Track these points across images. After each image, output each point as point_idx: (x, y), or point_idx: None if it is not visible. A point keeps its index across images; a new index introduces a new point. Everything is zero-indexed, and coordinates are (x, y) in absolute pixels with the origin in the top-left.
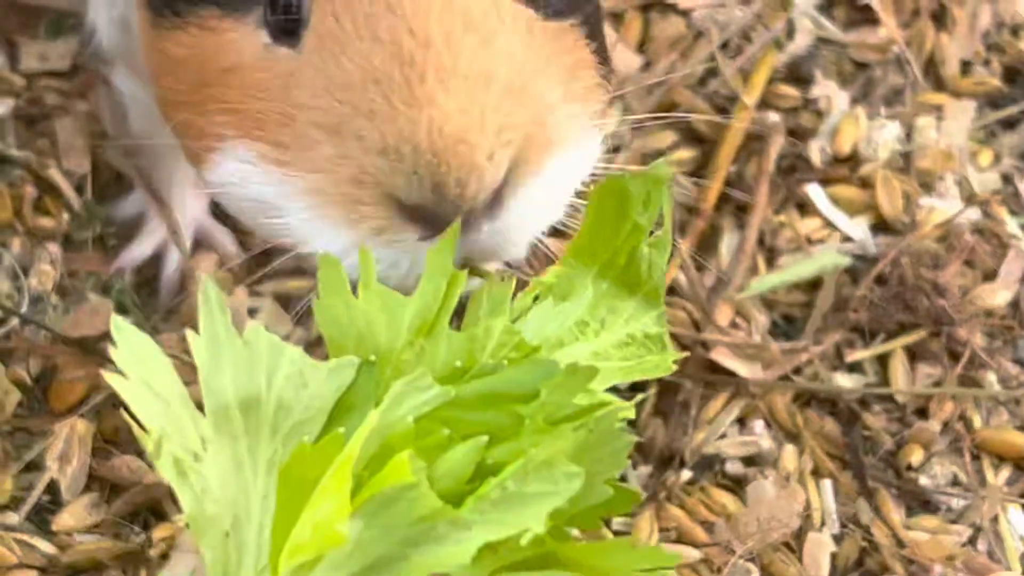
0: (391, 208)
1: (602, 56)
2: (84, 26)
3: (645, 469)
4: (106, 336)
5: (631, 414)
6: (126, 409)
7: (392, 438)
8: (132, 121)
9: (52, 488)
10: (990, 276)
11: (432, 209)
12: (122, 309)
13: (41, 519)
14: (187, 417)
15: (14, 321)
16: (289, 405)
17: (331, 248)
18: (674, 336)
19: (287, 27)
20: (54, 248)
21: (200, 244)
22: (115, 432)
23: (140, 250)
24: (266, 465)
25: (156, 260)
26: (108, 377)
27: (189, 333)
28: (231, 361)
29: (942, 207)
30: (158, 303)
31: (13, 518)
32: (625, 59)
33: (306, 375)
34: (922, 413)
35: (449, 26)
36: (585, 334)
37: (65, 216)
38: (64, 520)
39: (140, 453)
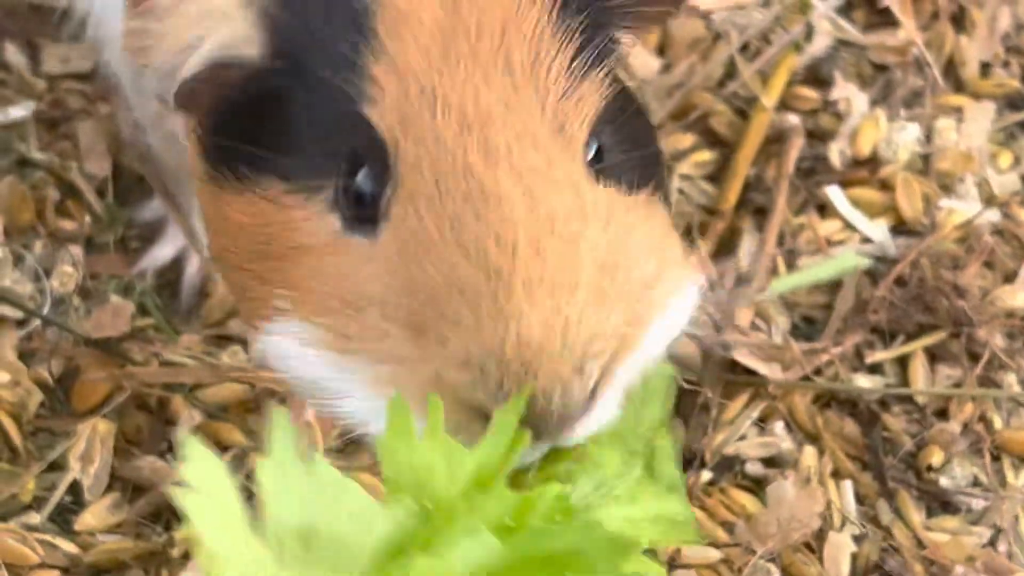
0: (469, 412)
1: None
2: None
3: None
4: (128, 337)
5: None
6: (191, 523)
7: None
8: (150, 137)
9: (74, 488)
10: (1010, 278)
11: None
12: (144, 311)
13: (63, 519)
14: (245, 543)
15: (36, 322)
16: (346, 541)
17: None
18: (694, 337)
19: (361, 215)
20: (76, 250)
21: None
22: (137, 433)
23: (161, 253)
24: None
25: (177, 263)
26: (175, 492)
27: (258, 460)
28: (295, 490)
29: (962, 209)
30: (179, 305)
31: (35, 518)
32: (645, 62)
33: (366, 512)
34: (942, 414)
35: (535, 232)
36: (618, 502)
37: (87, 218)
38: (86, 520)
39: (162, 453)
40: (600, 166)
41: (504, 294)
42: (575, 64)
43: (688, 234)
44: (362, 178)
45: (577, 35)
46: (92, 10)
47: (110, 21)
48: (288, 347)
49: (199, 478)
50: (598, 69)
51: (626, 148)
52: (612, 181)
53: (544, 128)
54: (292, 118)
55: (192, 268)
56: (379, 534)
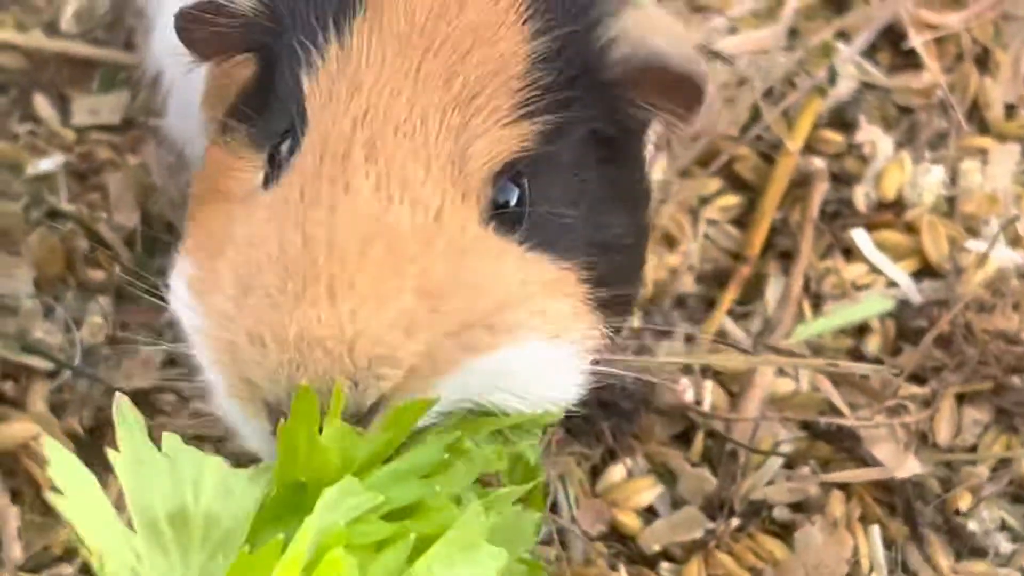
0: (254, 392)
1: (613, 298)
2: (139, 78)
3: (691, 512)
4: (158, 388)
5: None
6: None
7: (326, 541)
8: (182, 177)
9: None
10: None
11: (286, 411)
12: (172, 361)
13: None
14: (121, 534)
15: (67, 373)
16: (216, 515)
17: (208, 385)
18: (721, 382)
19: (270, 176)
20: (105, 301)
21: None
22: None
23: None
24: (199, 574)
25: None
26: (53, 499)
27: (110, 452)
28: (155, 476)
29: (988, 251)
30: None
31: (68, 569)
32: None
33: (229, 484)
34: (970, 456)
35: (371, 238)
36: None
37: (116, 269)
38: None
39: None
40: (513, 215)
41: (311, 283)
42: (517, 105)
43: (715, 279)
44: (284, 145)
45: (539, 86)
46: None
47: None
48: (176, 283)
49: (66, 480)
50: (545, 122)
51: (565, 215)
52: (520, 233)
53: (439, 155)
54: (267, 76)
55: None
56: (247, 503)
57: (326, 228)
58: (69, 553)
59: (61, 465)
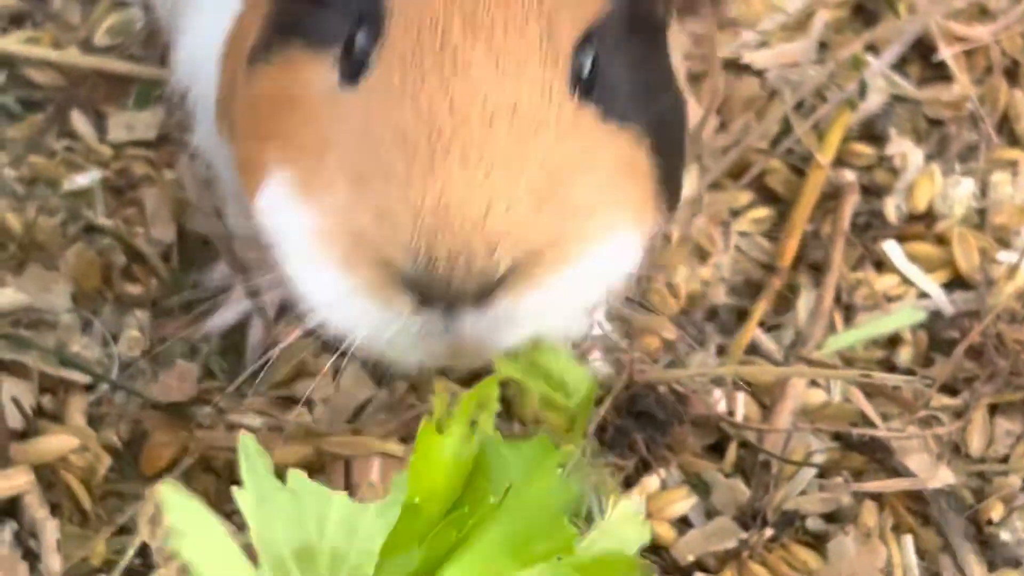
0: (387, 273)
1: (669, 178)
2: (169, 95)
3: (725, 522)
4: (195, 401)
5: None
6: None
7: None
8: (215, 191)
9: (143, 551)
10: None
11: (423, 282)
12: (209, 373)
13: None
14: (245, 572)
15: (104, 387)
16: (342, 552)
17: (322, 296)
18: (754, 393)
19: (351, 70)
20: (142, 315)
21: (285, 310)
22: (205, 495)
23: (226, 317)
24: None
25: (242, 326)
26: (174, 542)
27: (235, 490)
28: (280, 512)
29: (1019, 262)
30: (243, 367)
31: None
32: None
33: (354, 520)
34: (1002, 467)
35: (494, 110)
36: None
37: (153, 283)
38: None
39: (229, 515)
40: (588, 83)
41: (441, 155)
42: None
43: (746, 291)
44: (360, 36)
45: None
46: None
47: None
48: (272, 198)
49: (185, 521)
50: None
51: (629, 81)
52: (594, 103)
53: (534, 24)
54: None
55: (256, 331)
56: (371, 536)
57: (445, 104)
58: (108, 564)
59: (180, 507)
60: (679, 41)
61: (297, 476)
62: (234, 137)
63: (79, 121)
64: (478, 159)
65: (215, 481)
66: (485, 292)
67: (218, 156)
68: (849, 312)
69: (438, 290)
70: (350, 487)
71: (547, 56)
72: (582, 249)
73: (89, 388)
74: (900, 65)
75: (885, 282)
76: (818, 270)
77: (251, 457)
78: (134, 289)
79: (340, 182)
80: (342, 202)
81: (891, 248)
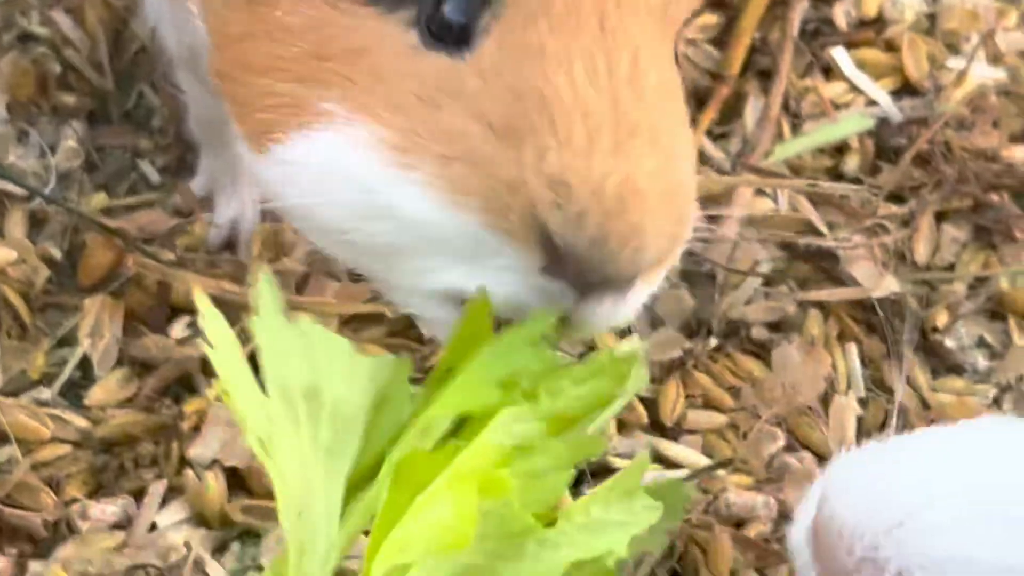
0: (531, 232)
1: None
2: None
3: (669, 332)
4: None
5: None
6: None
7: (494, 460)
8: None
9: (84, 363)
10: (1017, 138)
11: (583, 256)
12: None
13: (74, 394)
14: (257, 396)
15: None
16: (344, 398)
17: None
18: (700, 202)
19: (449, 37)
20: (79, 125)
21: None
22: (142, 310)
23: (221, 222)
24: (325, 453)
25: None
26: (207, 352)
27: (252, 319)
28: (291, 350)
29: (967, 68)
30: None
31: (46, 393)
32: None
33: (356, 370)
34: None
35: (661, 91)
36: None
37: (88, 93)
38: (96, 395)
39: (167, 332)
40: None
41: (627, 131)
42: None
43: (694, 99)
44: (451, 8)
45: None
46: None
47: None
48: (327, 150)
49: (215, 336)
50: None
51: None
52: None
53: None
54: None
55: (247, 224)
56: (367, 389)
57: (604, 83)
58: (47, 377)
59: (212, 321)
60: None
61: (307, 321)
62: (226, 69)
63: None
64: (659, 141)
65: (147, 298)
66: (635, 278)
67: (164, 22)
68: (797, 120)
69: (595, 268)
70: None
71: (666, 36)
72: (685, 239)
73: (28, 199)
74: None
75: (833, 89)
76: (766, 77)
77: (266, 289)
78: (70, 99)
79: (475, 133)
80: (481, 153)
81: (839, 55)
